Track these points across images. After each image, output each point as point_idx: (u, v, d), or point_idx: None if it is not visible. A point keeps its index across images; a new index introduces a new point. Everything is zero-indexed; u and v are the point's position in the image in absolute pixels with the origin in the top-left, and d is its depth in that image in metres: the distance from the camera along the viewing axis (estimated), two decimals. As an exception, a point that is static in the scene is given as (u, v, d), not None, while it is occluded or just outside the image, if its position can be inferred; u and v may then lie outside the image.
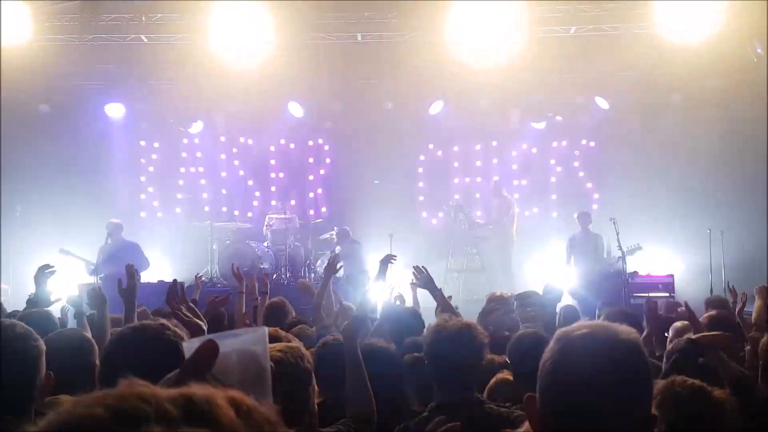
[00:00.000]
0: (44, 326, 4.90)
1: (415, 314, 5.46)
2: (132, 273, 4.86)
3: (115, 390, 0.89)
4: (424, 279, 5.43)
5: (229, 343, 1.50)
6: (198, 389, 0.91)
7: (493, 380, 4.08)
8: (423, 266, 5.50)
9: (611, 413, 1.71)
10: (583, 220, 12.55)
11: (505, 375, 4.13)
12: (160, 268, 13.04)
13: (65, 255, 11.97)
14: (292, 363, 2.67)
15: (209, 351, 1.42)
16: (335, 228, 13.15)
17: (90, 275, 11.64)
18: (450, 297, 6.10)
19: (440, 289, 5.44)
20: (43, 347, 2.60)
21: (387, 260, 5.85)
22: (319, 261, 13.22)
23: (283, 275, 12.39)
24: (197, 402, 0.89)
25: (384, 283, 6.00)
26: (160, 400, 0.88)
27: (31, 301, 5.81)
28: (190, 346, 1.50)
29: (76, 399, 0.88)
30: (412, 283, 6.01)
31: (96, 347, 3.63)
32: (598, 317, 7.11)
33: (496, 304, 6.12)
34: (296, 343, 2.90)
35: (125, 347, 2.48)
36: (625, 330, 1.80)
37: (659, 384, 2.77)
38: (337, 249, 12.15)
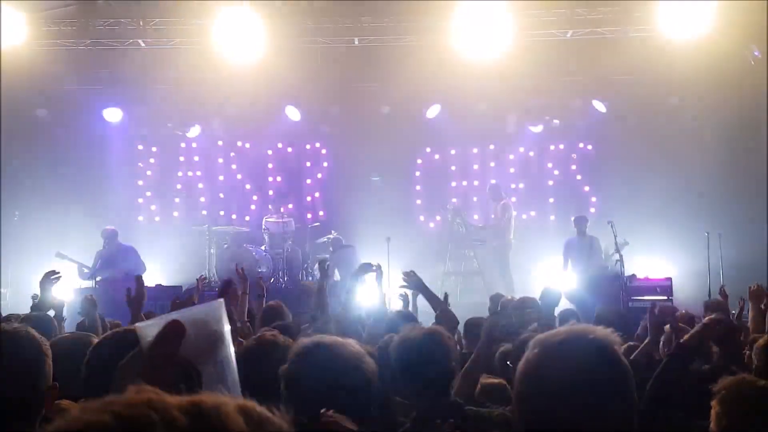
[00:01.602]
0: (44, 330, 4.91)
1: (408, 317, 5.40)
2: (141, 283, 4.87)
3: (123, 396, 0.89)
4: (413, 281, 5.42)
5: (183, 317, 1.54)
6: (208, 397, 0.90)
7: (480, 385, 4.07)
8: (412, 270, 5.49)
9: (588, 416, 1.73)
10: (579, 224, 12.58)
11: (491, 379, 4.12)
12: (158, 272, 13.04)
13: (61, 259, 11.98)
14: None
15: (175, 331, 1.45)
16: (332, 232, 13.18)
17: (84, 279, 11.65)
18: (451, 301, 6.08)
19: (434, 293, 5.39)
20: (50, 352, 2.59)
21: (367, 268, 5.78)
22: (316, 264, 13.23)
23: (280, 279, 12.39)
24: (206, 410, 0.88)
25: (375, 288, 6.01)
26: (168, 408, 0.87)
27: (35, 306, 5.83)
28: (148, 326, 1.53)
29: (85, 405, 0.87)
30: (401, 287, 5.98)
31: None
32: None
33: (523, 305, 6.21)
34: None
35: (105, 353, 2.49)
36: (601, 333, 1.81)
37: (724, 381, 2.79)
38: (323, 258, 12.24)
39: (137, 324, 1.63)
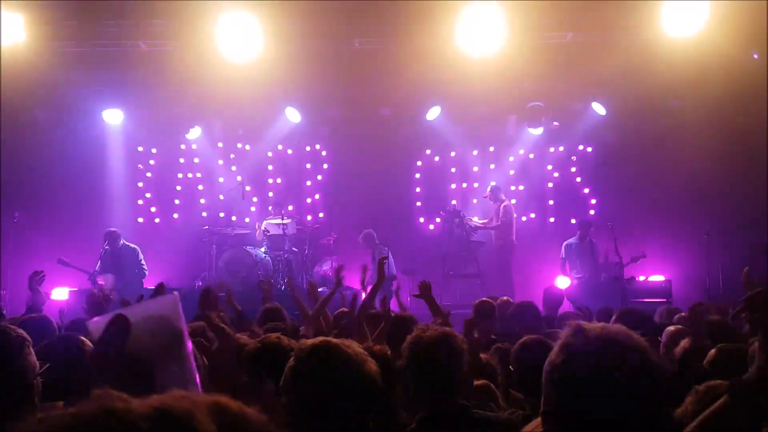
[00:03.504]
0: (42, 331, 4.92)
1: (412, 321, 5.37)
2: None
3: (85, 405, 0.84)
4: (426, 291, 5.42)
5: (137, 312, 1.52)
6: (178, 401, 0.86)
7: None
8: (427, 281, 5.49)
9: (620, 413, 1.76)
10: (583, 228, 12.53)
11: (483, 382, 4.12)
12: (157, 275, 13.05)
13: (64, 266, 11.94)
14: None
15: (120, 324, 1.44)
16: (332, 234, 13.18)
17: (94, 285, 11.59)
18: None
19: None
20: (30, 348, 2.60)
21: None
22: (316, 267, 13.23)
23: (279, 281, 12.39)
24: (175, 417, 0.84)
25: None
26: (133, 417, 0.82)
27: (29, 308, 5.85)
28: (97, 323, 1.52)
29: (41, 417, 0.83)
30: (414, 295, 5.97)
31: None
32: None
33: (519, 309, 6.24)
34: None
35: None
36: (630, 332, 1.86)
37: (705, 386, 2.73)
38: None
39: (89, 321, 1.63)
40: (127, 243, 12.37)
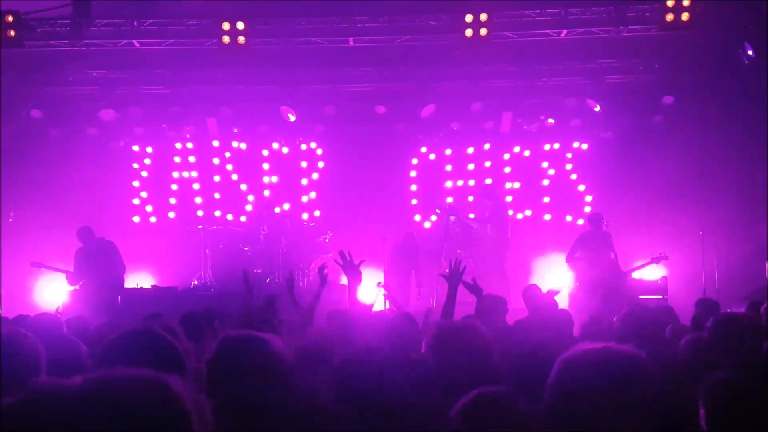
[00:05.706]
0: (51, 330, 4.94)
1: (411, 320, 5.23)
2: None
3: (19, 396, 0.84)
4: (457, 276, 5.50)
5: None
6: (110, 384, 0.85)
7: None
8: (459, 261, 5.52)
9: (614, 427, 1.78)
10: (594, 221, 12.32)
11: None
12: (154, 274, 13.05)
13: (38, 267, 11.73)
14: None
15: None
16: (328, 232, 13.21)
17: (72, 285, 11.19)
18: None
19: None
20: (41, 349, 2.63)
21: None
22: (312, 265, 13.22)
23: (276, 279, 12.39)
24: (107, 400, 0.83)
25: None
26: (63, 405, 0.81)
27: None
28: None
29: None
30: (441, 275, 6.13)
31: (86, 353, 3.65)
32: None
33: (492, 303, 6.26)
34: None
35: (122, 350, 2.56)
36: (627, 349, 1.89)
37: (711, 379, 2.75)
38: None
39: None
40: (103, 238, 11.59)
